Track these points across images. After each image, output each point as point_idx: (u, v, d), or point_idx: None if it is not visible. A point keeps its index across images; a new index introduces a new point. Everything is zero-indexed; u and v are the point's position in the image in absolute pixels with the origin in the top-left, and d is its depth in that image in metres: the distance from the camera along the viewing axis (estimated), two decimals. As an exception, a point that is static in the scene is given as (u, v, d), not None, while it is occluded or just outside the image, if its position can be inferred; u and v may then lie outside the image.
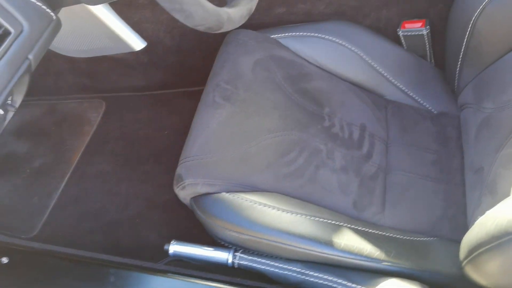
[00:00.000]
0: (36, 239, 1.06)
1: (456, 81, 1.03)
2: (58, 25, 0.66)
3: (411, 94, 1.07)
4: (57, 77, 1.29)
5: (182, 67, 1.26)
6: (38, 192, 1.14)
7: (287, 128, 0.92)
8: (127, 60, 1.23)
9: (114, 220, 1.08)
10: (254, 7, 0.73)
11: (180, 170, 0.85)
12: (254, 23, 1.13)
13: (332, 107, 1.00)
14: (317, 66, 1.06)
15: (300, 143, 0.91)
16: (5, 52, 0.57)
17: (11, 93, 0.65)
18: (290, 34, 1.07)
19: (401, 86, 1.07)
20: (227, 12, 0.62)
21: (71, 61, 1.24)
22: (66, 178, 1.16)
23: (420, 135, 1.02)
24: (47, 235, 1.07)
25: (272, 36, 1.07)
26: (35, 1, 0.61)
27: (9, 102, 0.66)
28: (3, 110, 0.63)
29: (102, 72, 1.27)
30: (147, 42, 1.16)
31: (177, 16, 0.56)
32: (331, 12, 1.09)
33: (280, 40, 1.07)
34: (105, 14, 1.10)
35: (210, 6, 0.58)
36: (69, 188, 1.14)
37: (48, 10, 0.63)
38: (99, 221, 1.08)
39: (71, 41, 1.20)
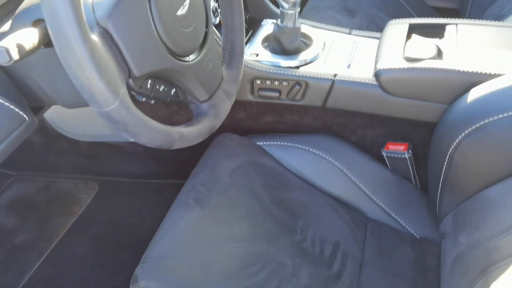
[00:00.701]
0: (-3, 319, 1.05)
1: (437, 208, 1.00)
2: (31, 125, 0.71)
3: (393, 215, 1.05)
4: (58, 155, 1.35)
5: (176, 160, 1.29)
6: (13, 269, 1.14)
7: (255, 238, 0.91)
8: (124, 148, 1.28)
9: (78, 310, 1.06)
10: (217, 125, 0.75)
11: (138, 270, 0.84)
12: (244, 128, 1.18)
13: (306, 221, 0.99)
14: (298, 177, 1.07)
15: (266, 256, 0.89)
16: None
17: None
18: (275, 143, 1.10)
19: (383, 206, 1.05)
20: (179, 131, 0.65)
21: (74, 143, 1.31)
22: (43, 258, 1.16)
23: (398, 260, 0.98)
24: (8, 317, 1.05)
25: (258, 143, 1.10)
26: (8, 104, 0.66)
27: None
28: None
29: (100, 156, 1.32)
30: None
31: (124, 135, 0.60)
32: (318, 126, 1.13)
33: (265, 148, 1.09)
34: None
35: (158, 126, 0.61)
36: (43, 268, 1.15)
37: (21, 112, 0.68)
38: (63, 309, 1.07)
39: (76, 125, 1.27)
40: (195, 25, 0.67)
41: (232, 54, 0.81)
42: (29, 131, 0.72)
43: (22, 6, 0.65)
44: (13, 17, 0.67)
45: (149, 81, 0.63)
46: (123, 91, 0.55)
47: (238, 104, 1.14)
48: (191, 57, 0.68)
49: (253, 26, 1.26)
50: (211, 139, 1.11)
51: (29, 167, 1.38)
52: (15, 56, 0.53)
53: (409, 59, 0.97)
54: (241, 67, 0.82)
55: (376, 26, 1.54)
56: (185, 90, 0.70)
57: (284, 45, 1.11)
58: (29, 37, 0.56)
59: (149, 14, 0.59)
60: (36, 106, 0.75)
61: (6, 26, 0.69)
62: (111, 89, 0.52)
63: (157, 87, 0.65)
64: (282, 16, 1.07)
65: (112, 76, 0.53)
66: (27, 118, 0.69)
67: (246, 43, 1.18)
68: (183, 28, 0.65)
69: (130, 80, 0.60)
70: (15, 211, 1.28)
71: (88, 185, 1.34)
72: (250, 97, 1.11)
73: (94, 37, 0.52)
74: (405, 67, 0.96)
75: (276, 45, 1.12)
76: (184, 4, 0.65)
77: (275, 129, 1.16)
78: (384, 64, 0.98)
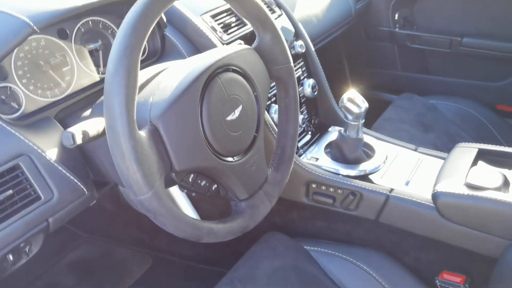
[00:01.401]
0: None
1: None
2: (89, 199, 0.79)
3: None
4: (124, 225, 1.44)
5: (226, 248, 1.31)
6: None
7: None
8: (182, 229, 1.34)
9: None
10: (251, 226, 0.76)
11: None
12: (294, 229, 1.17)
13: None
14: (341, 290, 1.02)
15: None
16: (28, 213, 0.69)
17: (29, 243, 0.76)
18: (324, 250, 1.07)
19: None
20: (209, 227, 0.68)
21: (138, 215, 1.39)
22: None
23: None
24: None
25: (306, 246, 1.08)
26: (72, 178, 0.75)
27: (26, 250, 0.76)
28: (14, 256, 0.73)
29: (158, 232, 1.38)
30: (202, 219, 1.26)
31: (154, 222, 0.64)
32: (370, 240, 1.08)
33: (312, 253, 1.07)
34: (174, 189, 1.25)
35: (187, 219, 0.65)
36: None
37: (82, 186, 0.76)
38: None
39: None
40: (243, 130, 0.73)
41: (281, 159, 0.84)
42: (87, 204, 0.80)
43: (101, 98, 0.77)
44: (93, 105, 0.79)
45: (192, 176, 0.68)
46: (158, 183, 0.60)
47: (291, 205, 1.15)
48: (235, 158, 0.73)
49: (320, 130, 1.30)
50: (260, 234, 1.12)
51: (99, 232, 1.49)
52: (79, 141, 0.62)
53: (471, 186, 0.92)
54: (288, 172, 0.84)
55: (454, 145, 1.50)
56: (225, 187, 0.74)
57: (345, 153, 1.13)
58: (96, 125, 0.65)
59: (199, 118, 0.65)
60: (101, 181, 0.84)
61: (88, 111, 0.81)
62: (146, 180, 0.58)
63: (199, 181, 0.70)
64: (345, 125, 1.10)
65: (150, 169, 0.58)
66: (86, 192, 0.78)
67: (311, 145, 1.22)
68: (230, 132, 0.70)
69: (173, 174, 0.66)
70: (75, 272, 1.37)
71: (144, 258, 1.40)
72: (304, 200, 1.12)
73: (143, 133, 0.59)
74: (465, 193, 0.91)
75: (338, 152, 1.14)
76: (236, 110, 0.71)
77: (325, 235, 1.14)
78: (443, 187, 0.94)
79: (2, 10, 0.72)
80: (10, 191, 0.68)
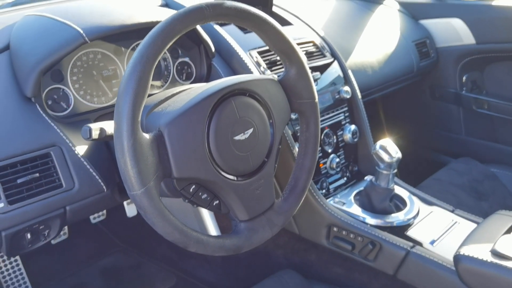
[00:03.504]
0: None
1: None
2: (108, 198, 0.85)
3: None
4: (157, 242, 1.50)
5: (250, 279, 1.30)
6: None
7: None
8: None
9: None
10: (245, 248, 0.75)
11: None
12: (311, 271, 1.14)
13: None
14: None
15: None
16: (48, 197, 0.77)
17: (48, 227, 0.84)
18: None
19: None
20: (198, 237, 0.69)
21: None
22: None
23: None
24: None
25: (318, 291, 1.05)
26: (94, 174, 0.82)
27: (44, 233, 0.84)
28: (32, 236, 0.81)
29: (186, 254, 1.42)
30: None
31: (146, 221, 0.68)
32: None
33: (323, 299, 1.04)
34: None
35: (176, 224, 0.67)
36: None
37: (102, 183, 0.83)
38: None
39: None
40: (251, 152, 0.75)
41: (293, 190, 0.85)
42: (106, 203, 0.87)
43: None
44: None
45: (193, 187, 0.72)
46: (153, 183, 0.64)
47: (312, 246, 1.13)
48: (240, 178, 0.75)
49: (357, 177, 1.28)
50: (277, 270, 1.11)
51: (135, 244, 1.56)
52: (95, 136, 0.69)
53: (497, 254, 0.85)
54: (297, 204, 0.84)
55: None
56: (227, 205, 0.76)
57: (373, 202, 1.10)
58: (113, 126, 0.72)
59: (205, 132, 0.69)
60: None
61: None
62: (140, 178, 0.62)
63: (200, 194, 0.73)
64: (376, 174, 1.08)
65: (146, 169, 0.63)
66: (105, 190, 0.84)
67: (346, 187, 1.21)
68: (237, 151, 0.73)
69: (174, 181, 0.70)
70: (103, 277, 1.43)
71: (168, 276, 1.43)
72: (324, 242, 1.09)
73: (148, 136, 0.65)
74: (489, 261, 0.84)
75: (366, 200, 1.12)
76: (246, 132, 0.74)
77: (341, 283, 1.09)
78: (467, 250, 0.88)
79: (62, 20, 0.84)
80: (37, 175, 0.77)
